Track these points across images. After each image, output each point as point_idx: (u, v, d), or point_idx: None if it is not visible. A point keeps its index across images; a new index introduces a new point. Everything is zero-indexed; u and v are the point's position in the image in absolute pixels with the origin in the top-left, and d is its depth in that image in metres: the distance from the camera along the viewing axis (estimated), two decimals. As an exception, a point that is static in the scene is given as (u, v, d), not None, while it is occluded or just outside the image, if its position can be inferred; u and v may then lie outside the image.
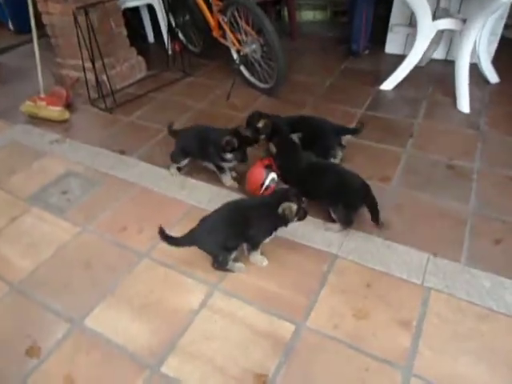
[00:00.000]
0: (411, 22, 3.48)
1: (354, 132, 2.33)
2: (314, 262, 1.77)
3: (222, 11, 3.02)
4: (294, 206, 1.63)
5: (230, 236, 1.67)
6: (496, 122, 2.68)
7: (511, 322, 1.51)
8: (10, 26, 4.89)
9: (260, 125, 2.15)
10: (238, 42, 3.05)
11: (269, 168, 2.03)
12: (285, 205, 1.62)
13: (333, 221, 1.92)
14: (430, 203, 2.05)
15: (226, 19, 3.03)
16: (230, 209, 1.72)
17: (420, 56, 3.03)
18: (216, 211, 1.73)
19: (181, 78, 3.50)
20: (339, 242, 1.86)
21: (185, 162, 2.29)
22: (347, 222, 1.89)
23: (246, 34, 2.97)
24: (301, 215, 1.69)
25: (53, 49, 3.30)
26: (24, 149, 2.69)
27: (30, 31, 2.96)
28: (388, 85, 3.15)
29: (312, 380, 1.37)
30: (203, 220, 1.71)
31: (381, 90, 3.14)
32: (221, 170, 2.19)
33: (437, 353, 1.42)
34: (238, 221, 1.68)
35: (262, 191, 2.01)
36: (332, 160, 2.22)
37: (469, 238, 1.85)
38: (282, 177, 2.04)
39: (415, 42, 2.99)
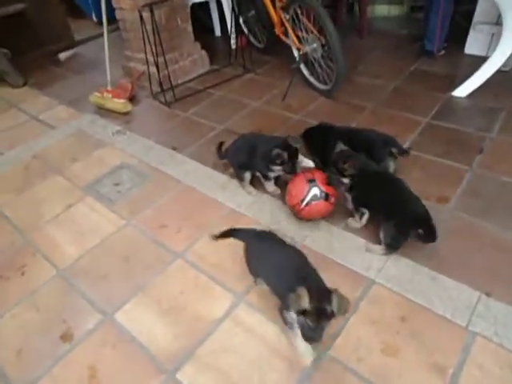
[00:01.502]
0: (498, 21, 3.09)
1: (401, 152, 2.08)
2: (348, 284, 1.66)
3: (285, 8, 2.93)
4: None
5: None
6: None
7: None
8: (94, 17, 5.23)
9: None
10: (299, 40, 2.95)
11: (312, 182, 1.91)
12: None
13: (378, 243, 1.79)
14: (490, 233, 1.82)
15: (287, 16, 2.94)
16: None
17: (505, 59, 2.69)
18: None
19: (241, 73, 3.49)
20: (379, 266, 1.72)
21: (249, 175, 2.21)
22: (393, 245, 1.74)
23: (307, 32, 2.86)
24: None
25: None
26: (88, 138, 2.88)
27: (112, 23, 3.13)
28: (462, 91, 2.85)
29: (325, 415, 1.30)
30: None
31: (452, 97, 2.85)
32: (266, 177, 2.14)
33: (472, 410, 1.26)
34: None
35: (302, 207, 1.91)
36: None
37: (530, 278, 1.61)
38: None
39: (500, 42, 2.65)
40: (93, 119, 3.11)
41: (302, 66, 3.09)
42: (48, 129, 3.06)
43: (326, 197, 1.89)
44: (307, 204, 1.88)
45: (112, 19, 3.25)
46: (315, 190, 1.87)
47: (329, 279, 1.67)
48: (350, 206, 1.91)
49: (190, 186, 2.29)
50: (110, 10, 3.14)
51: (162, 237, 2.01)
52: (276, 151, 1.92)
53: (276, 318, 1.54)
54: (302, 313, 1.25)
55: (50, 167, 2.61)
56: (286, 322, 1.42)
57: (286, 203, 2.02)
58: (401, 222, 1.70)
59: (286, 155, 1.92)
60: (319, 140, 2.14)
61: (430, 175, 2.17)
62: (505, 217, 1.89)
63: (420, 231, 1.68)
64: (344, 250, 1.81)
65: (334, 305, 1.24)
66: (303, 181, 1.91)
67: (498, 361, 1.37)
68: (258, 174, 2.17)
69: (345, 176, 1.85)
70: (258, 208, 2.10)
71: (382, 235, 1.77)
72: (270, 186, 2.17)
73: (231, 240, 1.80)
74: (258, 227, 1.81)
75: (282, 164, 1.96)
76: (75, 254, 1.97)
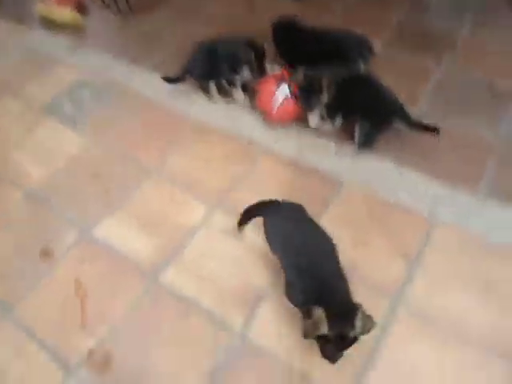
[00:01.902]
0: None
1: (371, 53, 2.02)
2: (320, 186, 1.71)
3: None
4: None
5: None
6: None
7: (519, 258, 1.43)
8: None
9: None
10: None
11: (282, 83, 1.85)
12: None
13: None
14: (458, 129, 1.86)
15: None
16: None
17: None
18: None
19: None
20: (349, 168, 1.76)
21: (213, 85, 2.10)
22: (367, 142, 1.77)
23: None
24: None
25: None
26: (39, 56, 2.63)
27: None
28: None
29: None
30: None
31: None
32: (232, 84, 2.05)
33: (431, 285, 1.40)
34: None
35: (273, 110, 1.88)
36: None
37: (493, 169, 1.70)
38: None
39: None
40: (42, 35, 2.81)
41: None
42: (-8, 49, 2.76)
43: (296, 96, 1.85)
44: (279, 106, 1.85)
45: None
46: (285, 91, 1.83)
47: (302, 183, 1.73)
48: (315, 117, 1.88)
49: (155, 101, 2.19)
50: None
51: (132, 154, 1.96)
52: (242, 50, 1.83)
53: (254, 221, 1.60)
54: (322, 338, 1.08)
55: (2, 90, 2.41)
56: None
57: (257, 109, 1.98)
58: (376, 115, 1.72)
59: (252, 55, 1.84)
60: (288, 40, 2.03)
61: (401, 74, 2.13)
62: (471, 113, 1.92)
63: (396, 119, 1.71)
64: (315, 155, 1.83)
65: (358, 327, 1.06)
66: (273, 83, 1.86)
67: (456, 241, 1.49)
68: (223, 82, 2.08)
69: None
70: (228, 118, 2.05)
71: (356, 134, 1.78)
72: (238, 93, 2.09)
73: (206, 156, 1.80)
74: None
75: (248, 65, 1.87)
76: (43, 177, 1.91)
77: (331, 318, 1.06)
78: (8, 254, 1.65)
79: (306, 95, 1.81)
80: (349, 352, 1.13)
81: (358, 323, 1.06)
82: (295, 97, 1.84)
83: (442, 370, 1.23)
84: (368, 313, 1.12)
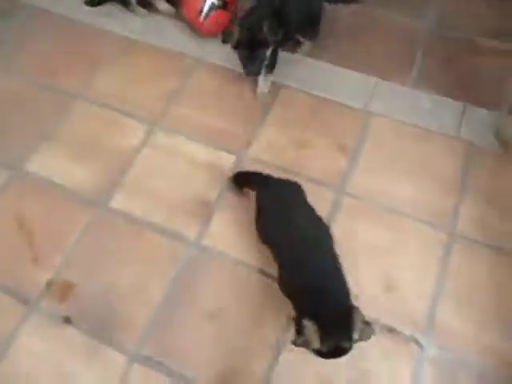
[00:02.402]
0: None
1: None
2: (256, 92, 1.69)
3: None
4: None
5: None
6: None
7: (446, 141, 1.56)
8: None
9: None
10: None
11: None
12: None
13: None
14: (385, 21, 1.87)
15: None
16: None
17: None
18: None
19: None
20: (286, 71, 1.74)
21: None
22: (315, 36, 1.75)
23: None
24: None
25: None
26: None
27: None
28: None
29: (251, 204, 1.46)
30: None
31: None
32: None
33: (370, 172, 1.50)
34: None
35: (201, 19, 1.75)
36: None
37: (420, 59, 1.76)
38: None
39: None
40: None
41: None
42: None
43: (224, 5, 1.74)
44: (206, 16, 1.73)
45: None
46: (209, 2, 1.70)
47: (238, 91, 1.69)
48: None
49: (69, 18, 1.95)
50: None
51: (51, 80, 1.78)
52: None
53: (196, 134, 1.59)
54: (315, 350, 0.96)
55: None
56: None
57: (185, 19, 1.84)
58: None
59: None
60: None
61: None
62: (396, 3, 1.91)
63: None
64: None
65: (355, 339, 0.94)
66: None
67: (390, 131, 1.59)
68: None
69: None
70: (154, 32, 1.90)
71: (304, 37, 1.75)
72: (161, 3, 1.92)
73: (135, 74, 1.71)
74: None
75: None
76: (-45, 117, 1.71)
77: (325, 331, 0.93)
78: None
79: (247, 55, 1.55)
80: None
81: (356, 335, 0.94)
82: (223, 3, 1.72)
83: (381, 237, 1.39)
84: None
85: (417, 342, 1.22)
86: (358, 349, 0.99)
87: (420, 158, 1.52)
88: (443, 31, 1.83)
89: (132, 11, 1.94)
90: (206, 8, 1.72)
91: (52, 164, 1.57)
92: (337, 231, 1.32)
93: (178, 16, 1.90)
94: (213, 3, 1.73)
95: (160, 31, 1.90)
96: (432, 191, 1.46)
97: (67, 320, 1.29)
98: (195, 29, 1.83)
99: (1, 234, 1.45)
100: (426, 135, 1.57)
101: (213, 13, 1.74)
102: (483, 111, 1.60)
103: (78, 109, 1.71)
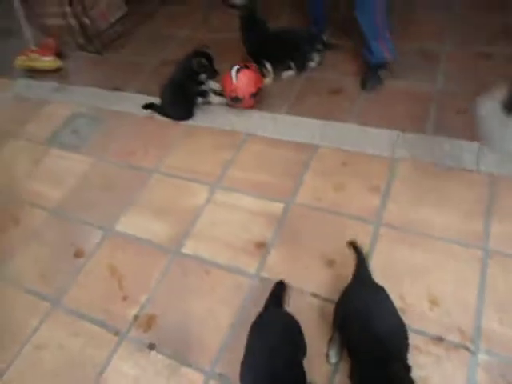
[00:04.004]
0: None
1: (324, 46, 2.50)
2: (299, 153, 2.04)
3: None
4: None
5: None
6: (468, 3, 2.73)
7: (467, 175, 1.77)
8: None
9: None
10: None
11: (232, 67, 2.24)
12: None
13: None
14: (401, 87, 2.24)
15: None
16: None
17: None
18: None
19: (157, 7, 3.54)
20: (319, 133, 2.10)
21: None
22: (303, 66, 2.46)
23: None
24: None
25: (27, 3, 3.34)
26: (28, 100, 2.92)
27: None
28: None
29: (301, 239, 1.71)
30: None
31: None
32: (204, 94, 2.39)
33: (401, 206, 1.72)
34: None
35: (233, 84, 2.22)
36: (311, 63, 2.47)
37: (434, 112, 2.06)
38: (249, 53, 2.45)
39: None
40: (25, 82, 3.11)
41: (216, -13, 3.22)
42: (-18, 102, 3.04)
43: (246, 66, 2.27)
44: (236, 77, 2.21)
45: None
46: (235, 66, 2.23)
47: (282, 153, 2.05)
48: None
49: (146, 116, 2.49)
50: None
51: (133, 162, 2.25)
52: (196, 60, 2.20)
53: (249, 190, 1.92)
54: None
55: (2, 136, 2.67)
56: None
57: (227, 98, 2.33)
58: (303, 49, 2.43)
59: (204, 60, 2.19)
60: (253, 36, 2.47)
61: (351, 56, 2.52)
62: (408, 72, 2.29)
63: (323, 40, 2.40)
64: (289, 129, 2.17)
65: None
66: (228, 72, 2.25)
67: (414, 171, 1.84)
68: (198, 100, 2.41)
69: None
70: (210, 117, 2.38)
71: (292, 64, 2.44)
72: (214, 98, 2.43)
73: (197, 150, 2.14)
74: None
75: (205, 70, 2.23)
76: (60, 196, 2.17)
77: None
78: (45, 260, 1.90)
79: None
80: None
81: None
82: (245, 66, 2.26)
83: (420, 259, 1.55)
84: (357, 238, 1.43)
85: (467, 349, 1.32)
86: (412, 358, 1.14)
87: (445, 190, 1.73)
88: (452, 88, 2.16)
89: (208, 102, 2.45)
90: (233, 74, 2.21)
91: (136, 223, 1.94)
92: (379, 257, 1.52)
93: (228, 104, 2.39)
94: (237, 68, 2.23)
95: (214, 116, 2.37)
96: (460, 216, 1.64)
97: (151, 346, 1.53)
98: (239, 107, 2.31)
99: (97, 279, 1.77)
100: (447, 172, 1.79)
101: (240, 74, 2.22)
102: (498, 148, 1.82)
103: (154, 180, 2.12)
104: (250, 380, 1.15)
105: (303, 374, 1.16)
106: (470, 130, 1.90)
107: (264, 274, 1.63)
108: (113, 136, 2.44)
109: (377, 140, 2.00)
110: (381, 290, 1.26)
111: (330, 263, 1.62)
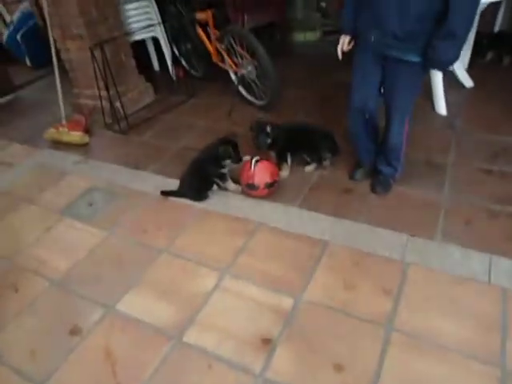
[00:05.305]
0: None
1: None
2: (309, 247, 2.06)
3: (220, 39, 3.41)
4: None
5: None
6: (470, 122, 2.98)
7: (478, 286, 1.77)
8: (28, 62, 5.34)
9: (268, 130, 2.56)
10: (235, 64, 3.42)
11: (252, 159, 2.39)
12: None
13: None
14: (409, 194, 2.34)
15: (223, 46, 3.41)
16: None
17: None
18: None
19: (185, 99, 3.87)
20: (331, 230, 2.14)
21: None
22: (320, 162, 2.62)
23: (241, 57, 3.34)
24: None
25: (68, 82, 3.68)
26: (50, 169, 3.04)
27: (46, 66, 3.35)
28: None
29: (309, 339, 1.64)
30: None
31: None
32: (222, 178, 2.50)
33: (413, 312, 1.69)
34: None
35: (251, 172, 2.34)
36: (324, 162, 2.60)
37: (442, 220, 2.13)
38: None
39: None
40: (50, 153, 3.27)
41: (240, 87, 3.55)
42: (6, 167, 3.16)
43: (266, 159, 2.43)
44: (254, 168, 2.33)
45: (45, 63, 3.45)
46: (255, 157, 2.39)
47: (294, 246, 2.07)
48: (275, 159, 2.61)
49: (158, 196, 2.57)
50: (43, 55, 3.35)
51: (144, 239, 2.26)
52: (221, 148, 2.36)
53: (259, 280, 1.90)
54: None
55: (19, 199, 2.74)
56: None
57: (244, 189, 2.43)
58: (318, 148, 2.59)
59: (230, 148, 2.34)
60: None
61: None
62: (417, 181, 2.42)
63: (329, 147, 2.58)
64: (301, 223, 2.22)
65: None
66: (247, 162, 2.40)
67: (426, 277, 1.83)
68: (215, 182, 2.52)
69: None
70: (224, 203, 2.45)
71: (310, 158, 2.62)
72: (231, 185, 2.53)
73: (209, 234, 2.16)
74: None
75: (229, 157, 2.37)
76: (65, 267, 2.15)
77: None
78: (38, 335, 1.81)
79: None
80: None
81: None
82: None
83: (434, 370, 1.47)
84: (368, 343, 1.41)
85: None
86: None
87: (458, 300, 1.71)
88: (459, 197, 2.26)
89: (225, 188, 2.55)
90: (253, 161, 2.36)
91: (139, 303, 1.89)
92: (391, 363, 1.45)
93: (242, 192, 2.48)
94: (256, 160, 2.37)
95: (228, 203, 2.45)
96: (473, 329, 1.60)
97: None
98: (254, 195, 2.40)
99: (89, 362, 1.67)
100: (459, 280, 1.79)
101: (259, 163, 2.35)
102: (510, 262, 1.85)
103: (163, 260, 2.11)
104: None
105: None
106: (479, 241, 1.97)
107: (269, 375, 1.54)
108: (127, 212, 2.49)
109: (387, 242, 2.03)
110: None
111: (339, 368, 1.54)
